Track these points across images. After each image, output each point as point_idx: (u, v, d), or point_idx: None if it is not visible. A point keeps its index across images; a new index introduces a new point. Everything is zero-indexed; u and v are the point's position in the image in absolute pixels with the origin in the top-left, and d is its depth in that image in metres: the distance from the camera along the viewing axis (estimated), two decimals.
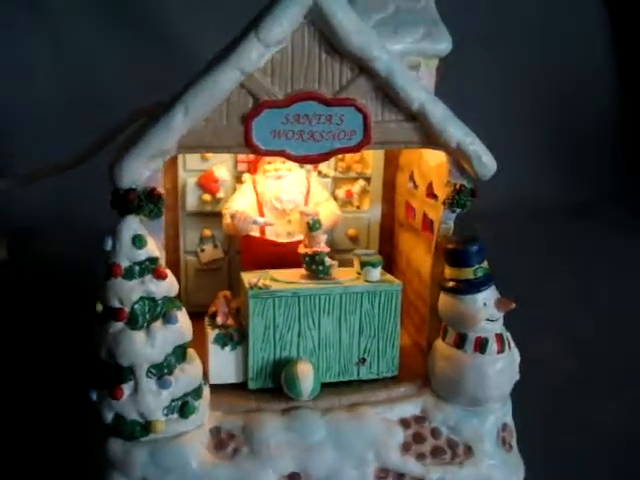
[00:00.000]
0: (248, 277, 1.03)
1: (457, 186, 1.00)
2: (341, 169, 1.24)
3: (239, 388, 1.04)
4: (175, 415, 0.94)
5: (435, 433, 1.04)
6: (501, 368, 1.02)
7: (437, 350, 1.06)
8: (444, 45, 1.08)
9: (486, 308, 1.00)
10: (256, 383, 1.04)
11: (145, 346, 0.91)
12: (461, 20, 2.37)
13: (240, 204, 1.13)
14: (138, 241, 0.90)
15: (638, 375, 1.46)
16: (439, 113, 0.93)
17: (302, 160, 0.96)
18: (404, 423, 1.03)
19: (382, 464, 1.00)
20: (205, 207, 1.20)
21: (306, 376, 1.00)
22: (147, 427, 0.92)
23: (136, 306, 0.91)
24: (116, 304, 0.90)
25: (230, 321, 1.04)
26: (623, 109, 3.05)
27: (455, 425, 1.04)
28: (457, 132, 0.94)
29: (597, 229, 2.47)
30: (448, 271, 1.04)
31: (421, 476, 1.01)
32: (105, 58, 2.60)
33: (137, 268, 0.91)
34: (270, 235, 1.14)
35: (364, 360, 1.07)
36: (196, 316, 1.01)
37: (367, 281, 1.05)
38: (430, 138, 0.96)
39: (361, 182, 1.25)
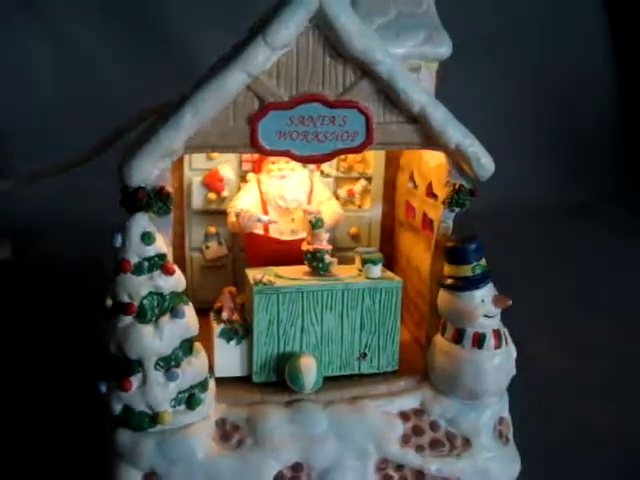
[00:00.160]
0: (253, 273, 1.05)
1: (456, 186, 1.02)
2: (343, 169, 1.26)
3: (244, 381, 1.06)
4: (182, 407, 0.96)
5: (434, 426, 1.05)
6: (498, 363, 1.04)
7: (436, 345, 1.08)
8: (444, 49, 1.10)
9: (484, 304, 1.02)
10: (260, 376, 1.05)
11: (153, 340, 0.92)
12: (462, 22, 2.40)
13: (245, 202, 1.15)
14: (147, 238, 0.92)
15: (634, 374, 1.47)
16: (439, 115, 0.95)
17: (306, 160, 0.97)
18: (404, 416, 1.05)
19: (382, 455, 1.02)
20: (210, 205, 1.22)
21: (309, 370, 1.01)
22: (155, 418, 0.94)
23: (145, 301, 0.92)
24: (125, 299, 0.92)
25: (235, 316, 1.06)
26: (622, 109, 3.06)
27: (453, 418, 1.05)
28: (456, 134, 0.96)
29: (596, 229, 2.48)
30: (447, 269, 1.05)
31: (420, 467, 1.03)
32: (105, 57, 2.61)
33: (146, 264, 0.93)
34: (274, 233, 1.15)
35: (365, 355, 1.08)
36: (201, 312, 1.02)
37: (368, 278, 1.07)
38: (430, 139, 0.97)
39: (362, 182, 1.26)
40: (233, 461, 0.98)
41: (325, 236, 1.09)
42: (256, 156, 1.16)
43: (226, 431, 1.00)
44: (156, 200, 0.93)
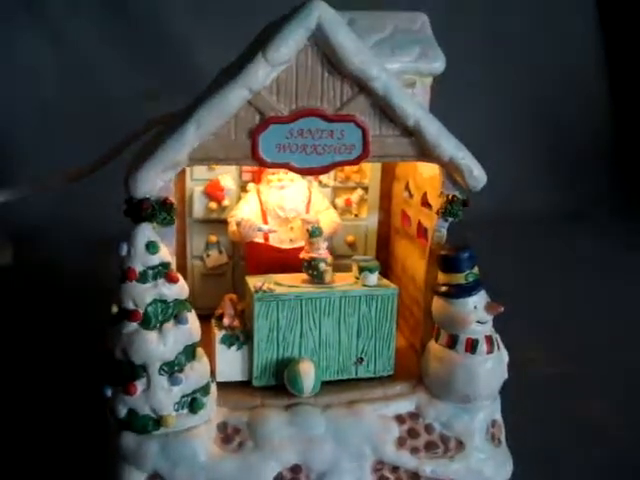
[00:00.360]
0: (253, 281, 1.07)
1: (450, 197, 1.04)
2: (340, 179, 1.28)
3: (244, 385, 1.07)
4: (185, 410, 0.97)
5: (428, 429, 1.07)
6: (490, 368, 1.05)
7: (430, 351, 1.09)
8: (438, 64, 1.12)
9: (476, 311, 1.04)
10: (260, 381, 1.07)
11: (157, 345, 0.94)
12: (456, 37, 2.44)
13: (245, 212, 1.17)
14: (152, 247, 0.94)
15: (626, 377, 1.49)
16: (433, 129, 0.97)
17: (305, 172, 1.00)
18: (399, 419, 1.06)
19: (378, 457, 1.04)
20: (211, 214, 1.24)
21: (307, 374, 1.03)
22: (159, 421, 0.96)
23: (149, 308, 0.94)
24: (130, 306, 0.94)
25: (236, 323, 1.07)
26: (614, 121, 3.09)
27: (447, 421, 1.07)
28: (450, 147, 0.98)
29: (589, 237, 2.50)
30: (441, 276, 1.07)
31: (415, 469, 1.04)
32: (106, 58, 2.62)
33: (150, 272, 0.95)
34: (273, 241, 1.17)
35: (362, 360, 1.10)
36: (202, 318, 1.03)
37: (365, 285, 1.09)
38: (425, 152, 1.00)
39: (359, 191, 1.28)
40: (234, 463, 0.99)
41: (323, 245, 1.10)
42: (256, 167, 1.17)
43: (227, 434, 1.01)
44: (160, 211, 0.95)
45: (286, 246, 1.18)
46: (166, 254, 0.97)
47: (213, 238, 1.26)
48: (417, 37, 1.12)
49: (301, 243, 1.16)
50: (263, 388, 1.07)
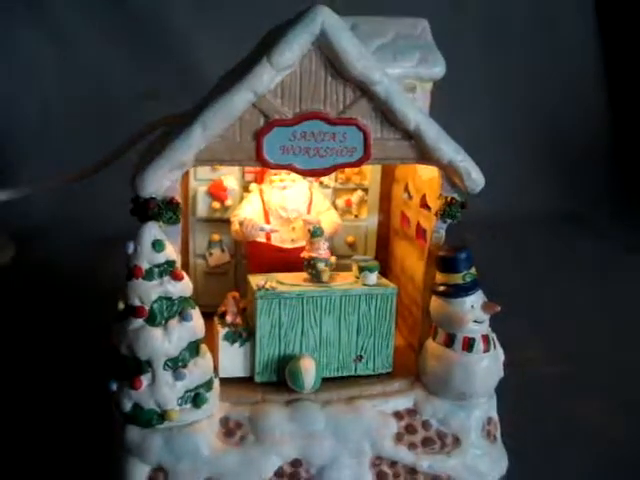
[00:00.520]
0: (255, 280, 1.08)
1: (448, 199, 1.06)
2: (341, 180, 1.29)
3: (246, 381, 1.08)
4: (188, 405, 0.99)
5: (426, 425, 1.08)
6: (487, 366, 1.06)
7: (428, 349, 1.10)
8: (438, 69, 1.13)
9: (473, 310, 1.05)
10: (262, 377, 1.08)
11: (162, 341, 0.96)
12: (456, 41, 2.45)
13: (247, 212, 1.19)
14: (158, 245, 0.96)
15: (622, 376, 1.50)
16: (433, 133, 0.99)
17: (308, 173, 1.01)
18: (397, 415, 1.07)
19: (377, 452, 1.05)
20: (214, 214, 1.25)
21: (308, 371, 1.04)
22: (163, 416, 0.97)
23: (155, 305, 0.96)
24: (137, 303, 0.96)
25: (238, 320, 1.09)
26: (612, 124, 3.09)
27: (444, 418, 1.08)
28: (449, 150, 1.00)
29: (587, 238, 2.51)
30: (439, 276, 1.08)
31: (412, 464, 1.06)
32: (106, 60, 2.61)
33: (156, 270, 0.96)
34: (275, 241, 1.18)
35: (361, 357, 1.11)
36: (204, 315, 1.04)
37: (365, 285, 1.10)
38: (424, 155, 1.01)
39: (359, 193, 1.30)
40: (236, 457, 1.00)
41: (324, 245, 1.11)
42: (259, 168, 1.18)
43: (229, 428, 1.02)
44: (166, 210, 0.97)
45: (288, 246, 1.19)
46: (172, 252, 0.98)
47: (216, 237, 1.27)
48: (418, 43, 1.14)
49: (302, 243, 1.17)
50: (265, 384, 1.08)
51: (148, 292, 0.96)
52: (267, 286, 1.06)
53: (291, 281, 1.10)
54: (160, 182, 0.96)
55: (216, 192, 1.24)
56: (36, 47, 2.59)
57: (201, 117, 0.94)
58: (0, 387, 1.36)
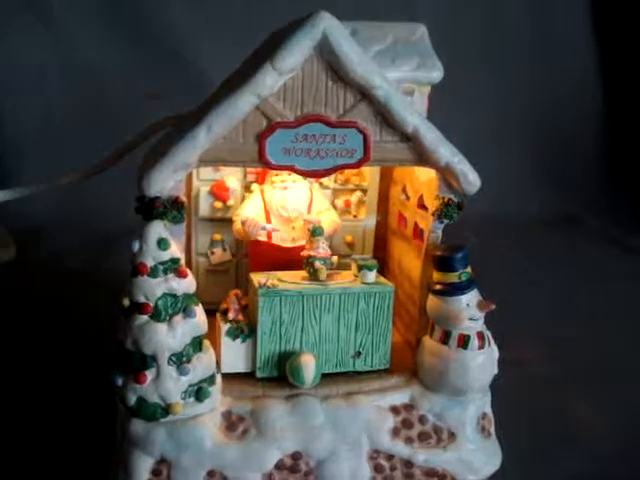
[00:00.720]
0: (257, 278, 1.10)
1: (445, 200, 1.07)
2: (340, 181, 1.31)
3: (248, 376, 1.10)
4: (192, 399, 1.00)
5: (422, 419, 1.09)
6: (481, 362, 1.08)
7: (425, 346, 1.12)
8: (436, 74, 1.15)
9: (469, 308, 1.06)
10: (263, 372, 1.10)
11: (167, 337, 0.98)
12: (454, 44, 2.47)
13: (249, 211, 1.20)
14: (162, 244, 0.98)
15: (611, 375, 1.51)
16: (431, 136, 1.00)
17: (309, 174, 1.03)
18: (394, 410, 1.09)
19: (374, 446, 1.06)
20: (216, 213, 1.27)
21: (308, 367, 1.06)
22: (167, 409, 0.99)
23: (159, 301, 0.98)
24: (142, 299, 0.98)
25: (240, 317, 1.10)
26: (609, 127, 3.11)
27: (440, 413, 1.09)
28: (446, 153, 1.01)
29: (580, 239, 2.53)
30: (436, 275, 1.10)
31: (409, 457, 1.08)
32: (106, 61, 2.63)
33: (161, 267, 0.98)
34: (276, 240, 1.20)
35: (359, 353, 1.12)
36: (205, 312, 1.04)
37: (363, 283, 1.11)
38: (422, 157, 1.03)
39: (358, 193, 1.31)
40: (238, 449, 1.02)
41: (323, 244, 1.13)
42: (261, 169, 1.21)
43: (232, 422, 1.04)
44: (171, 209, 0.98)
45: (288, 245, 1.20)
46: (176, 250, 1.00)
47: (218, 236, 1.29)
48: (416, 47, 1.15)
49: (302, 242, 1.18)
50: (266, 379, 1.10)
51: (153, 289, 0.98)
52: (268, 284, 1.08)
53: (291, 279, 1.12)
54: (165, 182, 0.97)
55: (218, 192, 1.26)
56: (37, 49, 2.61)
57: (206, 119, 0.95)
58: (4, 385, 1.37)
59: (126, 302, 1.00)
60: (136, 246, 0.99)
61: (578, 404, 1.40)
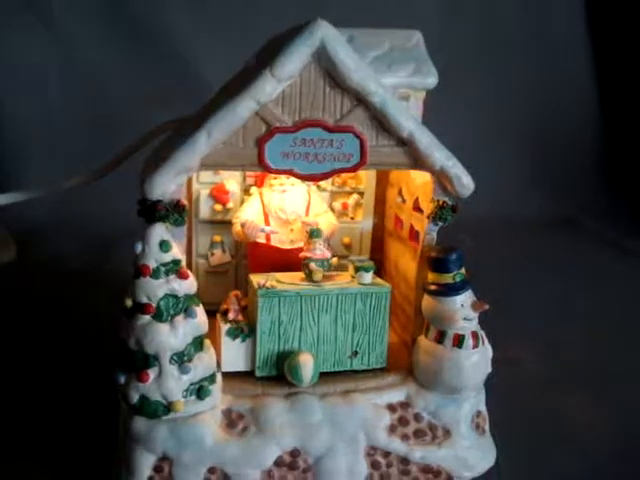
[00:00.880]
0: (256, 279, 1.12)
1: (440, 202, 1.09)
2: (337, 184, 1.32)
3: (248, 375, 1.11)
4: (193, 397, 1.02)
5: (418, 417, 1.11)
6: (476, 361, 1.09)
7: (420, 345, 1.13)
8: (431, 80, 1.16)
9: (463, 309, 1.08)
10: (262, 371, 1.11)
11: (169, 337, 0.99)
12: (450, 48, 2.49)
13: (248, 214, 1.22)
14: (164, 246, 1.00)
15: (606, 375, 1.53)
16: (425, 140, 1.02)
17: (307, 178, 1.04)
18: (391, 408, 1.10)
19: (371, 443, 1.08)
20: (216, 216, 1.29)
21: (306, 366, 1.07)
22: (168, 407, 1.00)
23: (161, 302, 0.99)
24: (144, 300, 0.99)
25: (240, 317, 1.12)
26: (605, 131, 3.12)
27: (435, 410, 1.11)
28: (441, 157, 1.03)
29: (577, 241, 2.54)
30: (431, 276, 1.11)
31: (405, 454, 1.09)
32: (108, 67, 2.64)
33: (163, 269, 1.00)
34: (275, 242, 1.21)
35: (356, 353, 1.14)
36: (206, 313, 1.07)
37: (360, 284, 1.13)
38: (417, 161, 1.04)
39: (355, 196, 1.33)
40: (238, 446, 1.03)
41: (321, 245, 1.14)
42: (259, 172, 1.21)
43: (232, 419, 1.05)
44: (173, 212, 1.00)
45: (287, 246, 1.22)
46: (177, 252, 1.02)
47: (217, 238, 1.30)
48: (412, 54, 1.17)
49: (301, 244, 1.19)
50: (265, 378, 1.11)
51: (155, 290, 1.00)
52: (268, 285, 1.09)
53: (290, 280, 1.13)
54: (167, 186, 0.99)
55: (218, 195, 1.27)
56: (37, 50, 2.61)
57: (206, 125, 0.97)
58: (8, 386, 1.38)
59: (129, 303, 1.01)
60: (138, 248, 1.00)
61: (573, 403, 1.41)
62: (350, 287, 1.13)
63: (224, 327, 1.11)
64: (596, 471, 1.20)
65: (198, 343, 1.04)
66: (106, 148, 2.47)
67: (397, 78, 1.15)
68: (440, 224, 1.12)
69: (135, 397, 1.01)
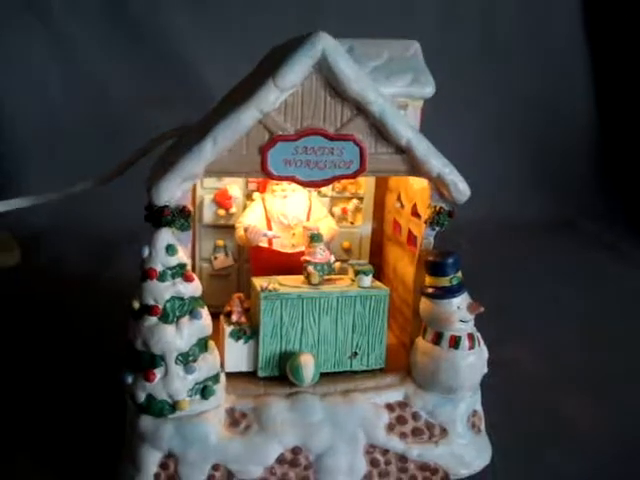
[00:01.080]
0: (259, 282, 1.14)
1: (437, 208, 1.11)
2: (338, 190, 1.34)
3: (250, 375, 1.13)
4: (197, 396, 1.04)
5: (415, 416, 1.12)
6: (472, 362, 1.11)
7: (418, 346, 1.15)
8: (428, 89, 1.19)
9: (459, 311, 1.10)
10: (265, 371, 1.13)
11: (174, 338, 1.01)
12: (447, 53, 2.52)
13: (251, 219, 1.24)
14: (170, 250, 1.02)
15: (603, 376, 1.54)
16: (423, 148, 1.04)
17: (308, 185, 1.07)
18: (389, 407, 1.12)
19: (370, 441, 1.10)
20: (219, 220, 1.31)
21: (307, 366, 1.09)
22: (174, 406, 1.02)
23: (167, 304, 1.02)
24: (151, 302, 1.02)
25: (243, 319, 1.14)
26: (602, 134, 3.13)
27: (432, 410, 1.13)
28: (438, 164, 1.05)
29: (575, 243, 2.56)
30: (428, 279, 1.13)
31: (403, 452, 1.11)
32: (108, 69, 2.65)
33: (169, 272, 1.02)
34: (277, 246, 1.23)
35: (356, 354, 1.15)
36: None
37: (360, 287, 1.15)
38: (415, 168, 1.07)
39: (355, 201, 1.35)
40: (241, 444, 1.05)
41: (319, 250, 1.16)
42: (262, 178, 1.24)
43: (235, 418, 1.07)
44: (179, 217, 1.03)
45: (288, 250, 1.24)
46: (183, 256, 1.04)
47: (220, 242, 1.33)
48: (410, 64, 1.19)
49: (302, 248, 1.22)
50: (267, 378, 1.13)
51: (161, 292, 1.02)
52: (270, 287, 1.12)
53: (291, 283, 1.15)
54: (173, 192, 1.01)
55: (221, 200, 1.30)
56: (37, 50, 2.61)
57: (211, 133, 0.99)
58: (15, 389, 1.40)
59: (136, 305, 1.03)
60: (146, 252, 1.03)
61: (570, 404, 1.42)
62: (350, 290, 1.15)
63: (227, 329, 1.13)
64: (593, 471, 1.22)
65: (203, 344, 1.06)
66: (106, 148, 2.51)
67: (395, 88, 1.17)
68: (437, 229, 1.14)
69: (142, 396, 1.04)
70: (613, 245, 2.56)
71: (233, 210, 1.31)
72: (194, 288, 1.06)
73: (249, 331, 1.14)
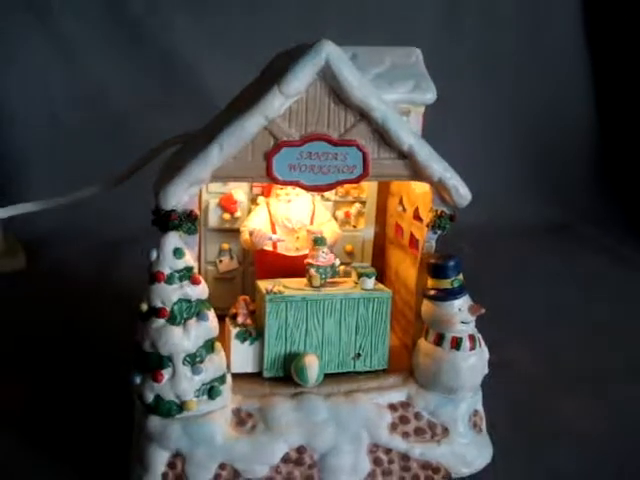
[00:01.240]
0: (264, 284, 1.15)
1: (438, 212, 1.13)
2: (341, 194, 1.35)
3: (256, 376, 1.14)
4: (204, 397, 1.05)
5: (417, 416, 1.13)
6: (473, 363, 1.12)
7: (420, 348, 1.16)
8: (430, 96, 1.20)
9: (461, 313, 1.11)
10: (270, 372, 1.14)
11: (182, 339, 1.03)
12: (447, 59, 2.53)
13: (256, 223, 1.25)
14: (178, 253, 1.04)
15: (602, 377, 1.55)
16: (424, 153, 1.06)
17: (313, 189, 1.08)
18: (392, 407, 1.13)
19: (373, 440, 1.11)
20: (224, 224, 1.32)
21: (312, 367, 1.10)
22: (181, 406, 1.03)
23: (175, 306, 1.03)
24: (159, 304, 1.03)
25: (249, 321, 1.16)
26: (601, 138, 3.13)
27: (434, 410, 1.14)
28: (439, 169, 1.07)
29: (574, 246, 2.56)
30: (430, 282, 1.14)
31: (406, 451, 1.12)
32: (110, 73, 2.64)
33: (177, 275, 1.04)
34: (281, 249, 1.24)
35: (359, 355, 1.16)
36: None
37: (363, 289, 1.16)
38: (417, 173, 1.08)
39: (357, 205, 1.35)
40: (247, 444, 1.07)
41: (323, 253, 1.17)
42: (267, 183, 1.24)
43: (241, 418, 1.09)
44: (186, 221, 1.05)
45: (292, 254, 1.24)
46: (190, 259, 1.06)
47: (225, 245, 1.34)
48: (412, 71, 1.21)
49: (306, 251, 1.23)
50: (272, 379, 1.14)
51: (169, 295, 1.04)
52: (275, 290, 1.13)
53: (295, 285, 1.16)
54: (181, 196, 1.03)
55: (226, 204, 1.31)
56: (37, 50, 2.60)
57: (218, 139, 1.01)
58: (19, 390, 1.41)
59: (144, 307, 1.05)
60: (154, 255, 1.05)
61: (570, 404, 1.43)
62: (353, 292, 1.16)
63: (233, 330, 1.15)
64: (593, 470, 1.22)
65: (209, 345, 1.07)
66: (106, 148, 2.51)
67: (398, 94, 1.18)
68: (439, 232, 1.15)
69: (150, 397, 1.05)
70: (613, 248, 2.56)
71: (238, 214, 1.32)
72: (201, 290, 1.07)
73: (255, 333, 1.15)
